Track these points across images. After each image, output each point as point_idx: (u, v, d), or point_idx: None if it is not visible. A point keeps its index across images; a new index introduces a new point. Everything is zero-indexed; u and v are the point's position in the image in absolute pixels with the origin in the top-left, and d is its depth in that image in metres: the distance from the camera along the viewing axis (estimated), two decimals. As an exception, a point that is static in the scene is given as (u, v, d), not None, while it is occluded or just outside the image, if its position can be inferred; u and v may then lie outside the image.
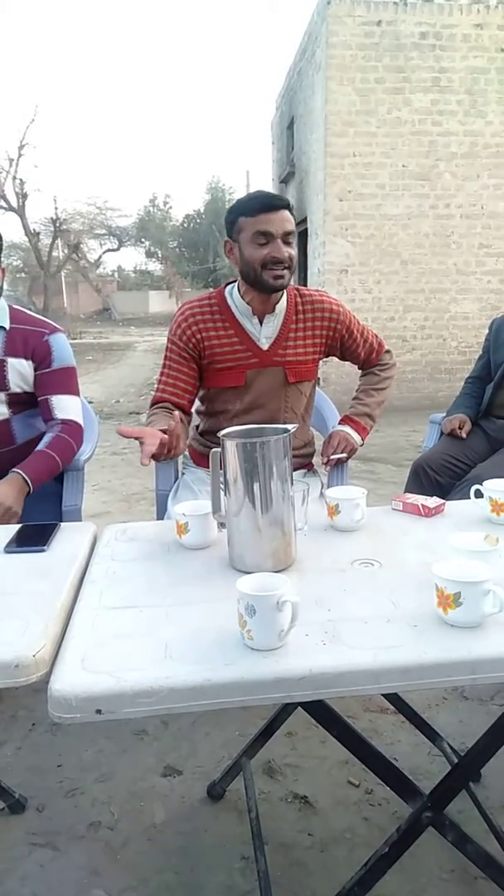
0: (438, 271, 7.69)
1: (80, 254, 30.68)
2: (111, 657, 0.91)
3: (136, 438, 1.38)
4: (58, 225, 26.95)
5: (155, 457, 1.41)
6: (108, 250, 34.30)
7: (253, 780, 1.56)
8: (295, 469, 1.63)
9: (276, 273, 1.67)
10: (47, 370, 1.89)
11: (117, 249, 34.36)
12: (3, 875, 1.42)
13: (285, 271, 1.68)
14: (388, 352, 2.03)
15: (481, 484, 1.42)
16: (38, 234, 26.17)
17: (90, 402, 2.39)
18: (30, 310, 2.01)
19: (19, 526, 1.43)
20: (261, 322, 1.78)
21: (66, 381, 1.92)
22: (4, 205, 24.53)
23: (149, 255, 36.92)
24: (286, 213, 1.67)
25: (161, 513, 1.97)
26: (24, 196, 24.46)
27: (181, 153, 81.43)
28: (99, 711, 0.83)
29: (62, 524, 1.44)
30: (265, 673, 0.86)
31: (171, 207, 35.71)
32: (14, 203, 24.49)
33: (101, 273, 37.63)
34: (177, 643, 0.94)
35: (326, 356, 1.91)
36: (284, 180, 10.63)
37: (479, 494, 1.43)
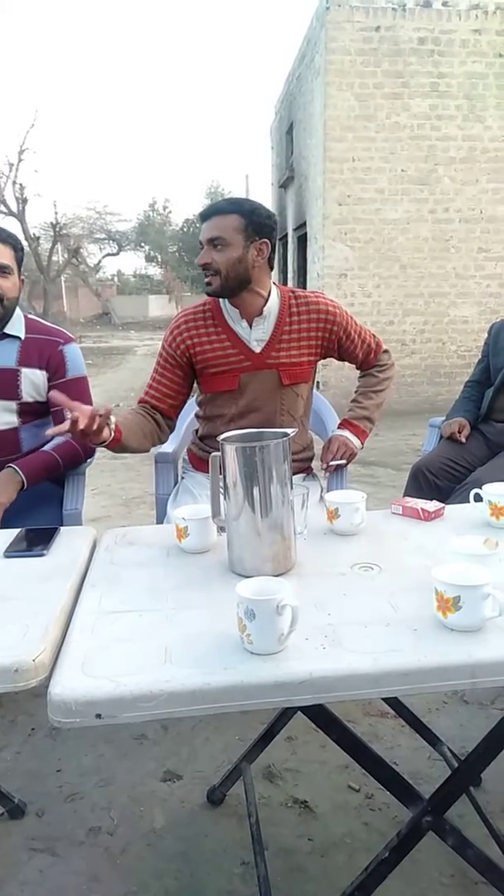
0: (438, 275, 7.70)
1: (80, 258, 30.71)
2: (111, 661, 0.91)
3: (67, 408, 1.41)
4: (58, 229, 26.97)
5: (76, 430, 1.40)
6: (108, 255, 34.32)
7: (253, 784, 1.56)
8: (294, 473, 1.63)
9: (205, 279, 1.73)
10: (62, 380, 1.92)
11: (117, 254, 34.37)
12: (2, 881, 1.42)
13: (212, 277, 1.71)
14: (385, 352, 2.02)
15: (481, 488, 1.42)
16: (38, 238, 26.19)
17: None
18: (30, 313, 2.02)
19: (19, 530, 1.43)
20: (250, 325, 1.79)
21: (81, 391, 1.95)
22: (4, 209, 24.55)
23: (148, 259, 36.92)
24: (216, 219, 1.70)
25: (161, 517, 1.97)
26: (24, 201, 24.48)
27: (181, 158, 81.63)
28: (99, 716, 0.83)
29: (62, 528, 1.44)
30: (265, 677, 0.86)
31: (170, 212, 35.70)
32: (14, 208, 24.51)
33: (100, 277, 37.65)
34: (177, 647, 0.94)
35: (323, 357, 1.91)
36: (284, 185, 10.66)
37: (478, 498, 1.43)
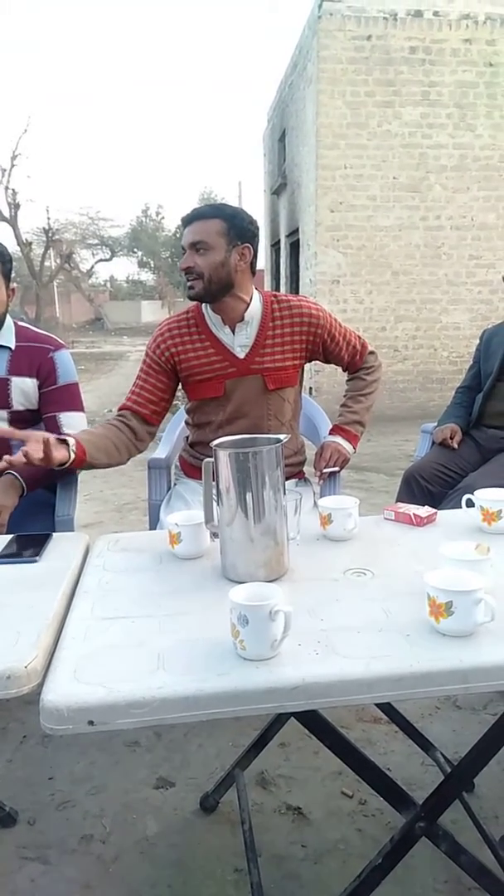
0: (429, 282, 7.75)
1: (73, 264, 30.70)
2: (103, 668, 0.90)
3: (15, 438, 1.45)
4: (50, 235, 26.98)
5: (32, 460, 1.44)
6: (101, 260, 34.35)
7: (246, 791, 1.56)
8: (287, 478, 1.63)
9: (188, 283, 1.74)
10: (53, 387, 1.92)
11: (110, 259, 34.41)
12: (-7, 890, 1.41)
13: (194, 281, 1.72)
14: (372, 353, 2.02)
15: (472, 493, 1.43)
16: (31, 244, 26.18)
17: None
18: (22, 320, 2.02)
19: (11, 536, 1.43)
20: (233, 331, 1.79)
21: (72, 398, 1.95)
22: (-4, 215, 24.55)
23: (141, 265, 36.98)
24: (198, 223, 1.71)
25: (153, 523, 1.97)
26: (17, 206, 24.48)
27: (174, 164, 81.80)
28: (91, 723, 0.83)
29: (55, 535, 1.44)
30: (258, 683, 0.86)
31: (163, 218, 35.79)
32: (6, 213, 24.51)
33: (93, 283, 37.66)
34: (169, 654, 0.93)
35: (309, 361, 1.91)
36: (276, 192, 10.70)
37: (470, 504, 1.44)
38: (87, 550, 1.38)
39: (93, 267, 34.88)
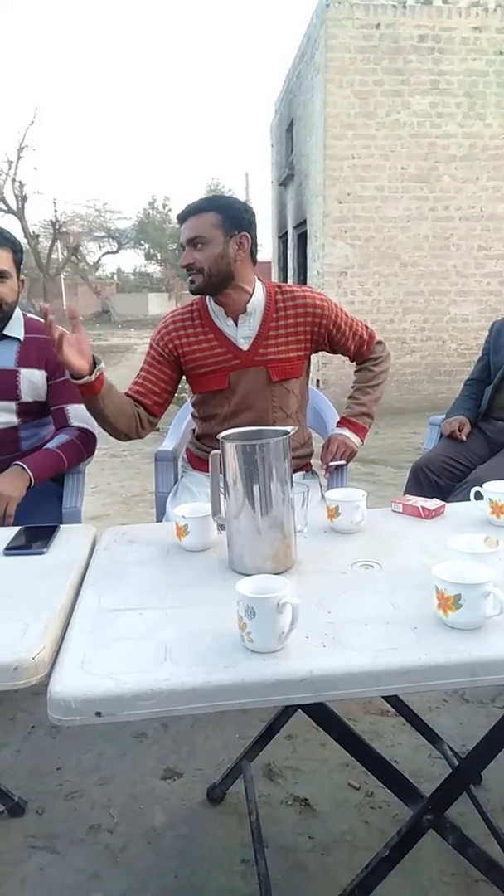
0: (438, 273, 7.70)
1: (80, 256, 30.71)
2: (111, 659, 0.90)
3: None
4: (57, 227, 26.97)
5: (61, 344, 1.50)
6: (108, 252, 34.32)
7: (253, 782, 1.56)
8: (294, 470, 1.63)
9: (189, 278, 1.74)
10: (61, 379, 1.92)
11: (116, 252, 34.38)
12: (2, 878, 1.42)
13: (195, 276, 1.72)
14: (380, 343, 2.00)
15: (481, 486, 1.42)
16: (38, 236, 26.18)
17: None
18: (30, 311, 2.01)
19: (19, 528, 1.43)
20: (235, 323, 1.79)
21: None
22: (4, 207, 24.56)
23: (148, 257, 36.89)
24: (193, 219, 1.70)
25: (160, 515, 1.97)
26: (24, 198, 24.48)
27: (180, 155, 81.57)
28: (99, 714, 0.83)
29: (62, 526, 1.44)
30: (265, 675, 0.86)
31: (170, 210, 35.60)
32: (13, 205, 24.51)
33: (100, 275, 37.67)
34: (176, 645, 0.93)
35: (315, 352, 1.90)
36: (284, 183, 10.65)
37: (478, 496, 1.43)
38: (94, 542, 1.38)
39: (100, 259, 34.91)
